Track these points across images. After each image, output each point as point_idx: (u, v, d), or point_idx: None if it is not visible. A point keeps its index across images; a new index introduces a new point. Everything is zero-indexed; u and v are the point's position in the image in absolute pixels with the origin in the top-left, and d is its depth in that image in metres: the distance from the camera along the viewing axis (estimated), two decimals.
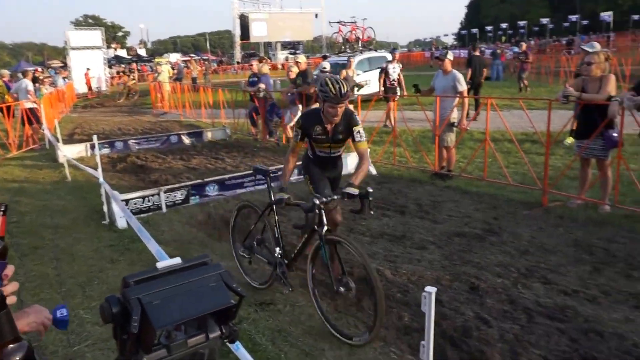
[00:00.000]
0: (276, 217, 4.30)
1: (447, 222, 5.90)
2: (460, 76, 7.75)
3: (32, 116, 13.14)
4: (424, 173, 8.27)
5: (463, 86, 7.66)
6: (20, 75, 16.43)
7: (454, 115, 7.75)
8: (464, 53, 33.17)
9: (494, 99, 7.87)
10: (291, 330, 3.73)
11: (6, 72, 17.36)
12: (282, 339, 3.62)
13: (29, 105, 13.20)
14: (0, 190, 8.60)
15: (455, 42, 78.37)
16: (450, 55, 7.96)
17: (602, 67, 5.91)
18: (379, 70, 13.65)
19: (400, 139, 9.09)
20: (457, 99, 7.72)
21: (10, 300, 1.23)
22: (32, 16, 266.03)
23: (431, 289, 1.94)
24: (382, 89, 12.93)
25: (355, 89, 10.72)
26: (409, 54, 50.60)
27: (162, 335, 0.98)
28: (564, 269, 4.52)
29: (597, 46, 7.10)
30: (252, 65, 14.68)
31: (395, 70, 12.64)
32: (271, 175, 4.48)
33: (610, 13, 50.26)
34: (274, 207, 4.28)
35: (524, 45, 19.83)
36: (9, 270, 1.19)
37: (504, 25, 65.41)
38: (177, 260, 0.97)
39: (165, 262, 0.95)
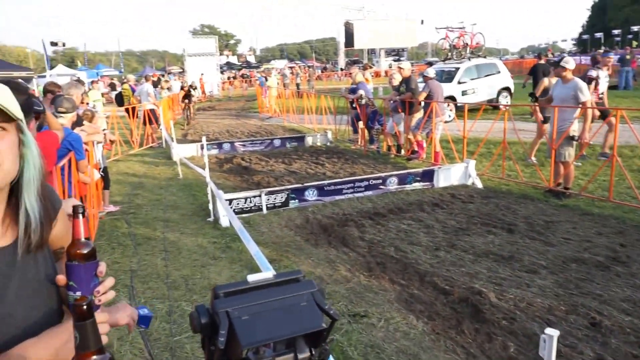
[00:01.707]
0: None
1: (563, 246, 5.41)
2: (582, 85, 7.16)
3: (152, 117, 14.11)
4: (536, 189, 7.74)
5: (586, 96, 7.07)
6: (143, 79, 17.75)
7: (574, 128, 7.18)
8: (585, 59, 30.86)
9: (623, 110, 7.15)
10: (385, 346, 3.57)
11: (132, 77, 18.93)
12: (375, 356, 3.47)
13: (149, 107, 14.18)
14: (123, 183, 9.28)
15: (574, 48, 73.64)
16: (571, 63, 7.39)
17: None
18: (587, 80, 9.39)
19: (510, 151, 8.61)
20: (578, 110, 7.16)
21: (111, 294, 1.24)
22: (157, 26, 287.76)
23: (553, 332, 1.67)
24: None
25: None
26: (520, 61, 48.34)
27: (250, 349, 0.94)
28: None
29: None
30: (351, 72, 14.68)
31: (605, 80, 9.75)
32: None
33: None
34: None
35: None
36: (102, 267, 1.19)
37: (635, 29, 60.19)
38: (269, 274, 0.90)
39: (256, 276, 0.89)
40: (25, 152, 1.17)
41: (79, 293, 1.15)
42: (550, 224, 6.11)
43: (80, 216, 1.18)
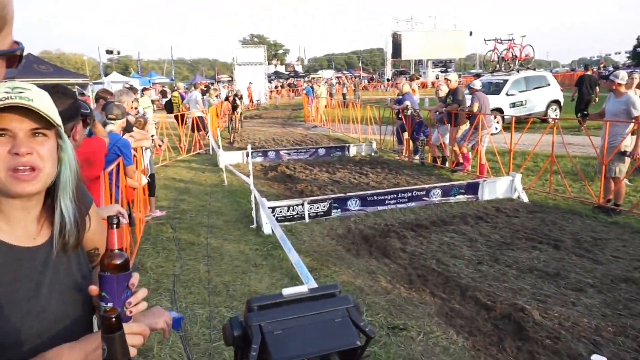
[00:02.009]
0: None
1: (612, 264, 5.18)
2: (636, 99, 6.89)
3: (200, 124, 14.42)
4: (584, 205, 7.47)
5: (639, 110, 6.80)
6: (192, 87, 18.17)
7: (626, 143, 6.90)
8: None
9: None
10: None
11: (181, 85, 19.34)
12: None
13: (198, 114, 14.49)
14: (170, 189, 9.48)
15: (629, 61, 70.76)
16: (622, 77, 7.11)
17: None
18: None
19: (558, 165, 8.34)
20: (631, 125, 6.88)
21: (142, 306, 1.24)
22: (208, 35, 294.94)
23: (600, 359, 1.57)
24: None
25: None
26: (571, 74, 47.02)
27: None
28: None
29: None
30: (398, 83, 14.58)
31: None
32: None
33: None
34: None
35: None
36: (135, 278, 1.21)
37: None
38: (304, 288, 0.89)
39: (291, 289, 0.88)
40: (62, 156, 1.23)
41: (110, 304, 1.15)
42: (599, 241, 5.88)
43: (115, 227, 1.18)
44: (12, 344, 1.11)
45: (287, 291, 0.88)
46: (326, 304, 0.87)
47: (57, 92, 2.18)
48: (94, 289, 1.17)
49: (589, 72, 15.68)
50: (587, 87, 14.91)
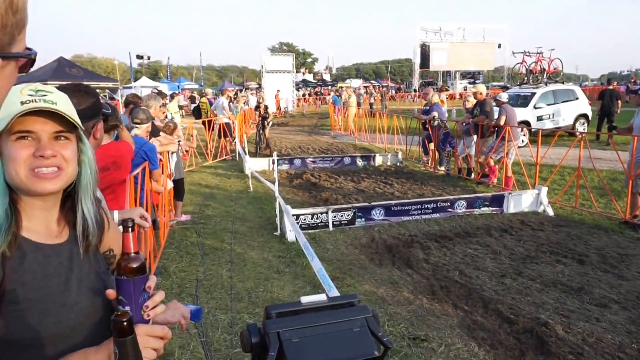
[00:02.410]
0: None
1: (638, 280, 5.07)
2: None
3: (227, 130, 14.55)
4: (610, 220, 7.31)
5: None
6: (220, 94, 18.35)
7: None
8: None
9: None
10: None
11: (210, 91, 19.56)
12: None
13: (225, 120, 14.63)
14: (195, 194, 9.57)
15: None
16: None
17: None
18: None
19: (584, 179, 8.17)
20: None
21: (160, 309, 1.24)
22: (238, 42, 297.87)
23: None
24: None
25: None
26: (600, 88, 46.13)
27: None
28: None
29: None
30: (426, 93, 14.46)
31: None
32: None
33: None
34: None
35: None
36: (152, 281, 1.21)
37: None
38: (323, 297, 0.89)
39: (310, 298, 0.88)
40: (83, 159, 1.26)
41: (127, 308, 1.13)
42: (625, 257, 5.75)
43: (129, 230, 1.16)
44: (52, 337, 1.13)
45: (306, 299, 0.89)
46: (345, 313, 0.87)
47: (79, 91, 2.22)
48: (111, 292, 1.17)
49: (611, 87, 16.25)
50: (608, 100, 15.43)
